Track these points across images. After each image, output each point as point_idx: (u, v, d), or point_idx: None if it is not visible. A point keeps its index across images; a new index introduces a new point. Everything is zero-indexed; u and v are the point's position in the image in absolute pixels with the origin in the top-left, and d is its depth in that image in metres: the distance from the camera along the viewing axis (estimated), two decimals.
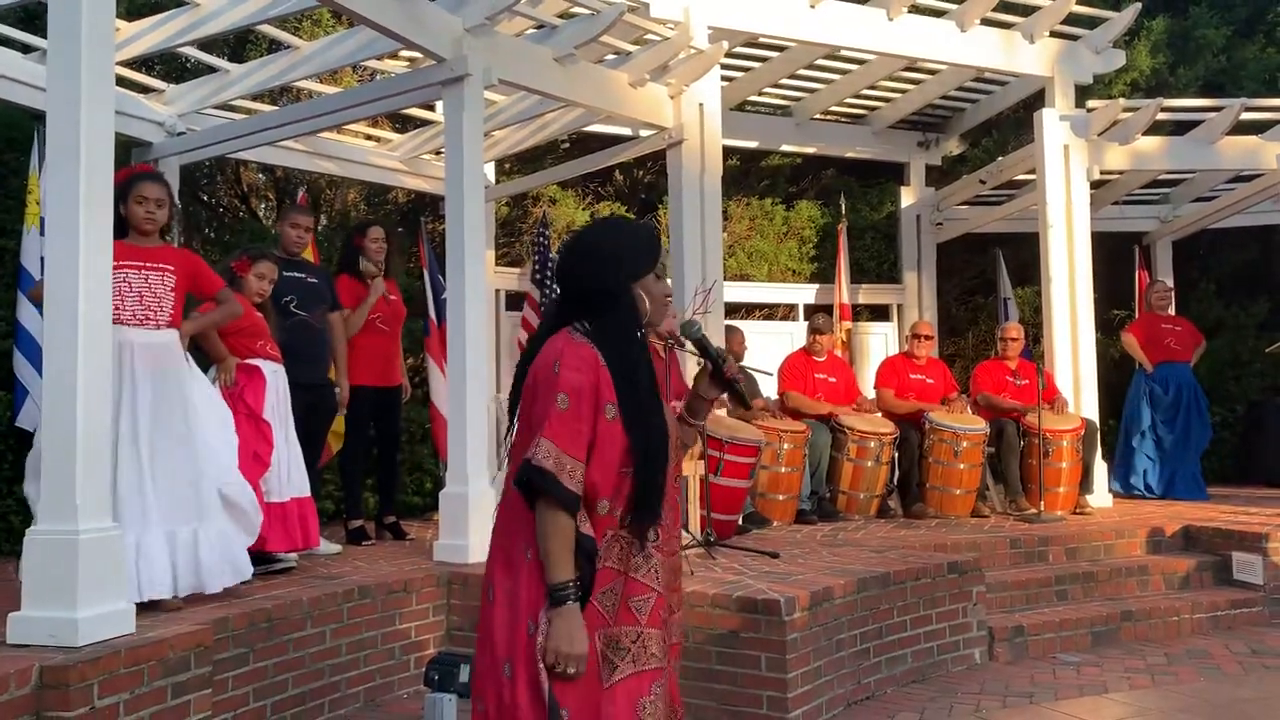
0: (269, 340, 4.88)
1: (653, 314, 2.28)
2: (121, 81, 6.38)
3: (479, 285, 5.41)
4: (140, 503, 3.93)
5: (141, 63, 6.69)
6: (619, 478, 2.17)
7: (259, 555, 4.74)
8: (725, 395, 2.42)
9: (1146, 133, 7.77)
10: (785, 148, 9.44)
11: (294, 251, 5.77)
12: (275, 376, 4.85)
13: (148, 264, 4.14)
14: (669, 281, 2.52)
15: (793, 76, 8.46)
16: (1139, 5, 7.84)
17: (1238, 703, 4.37)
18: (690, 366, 6.15)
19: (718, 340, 6.57)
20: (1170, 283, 9.00)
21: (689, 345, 2.48)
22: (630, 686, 2.14)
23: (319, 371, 5.58)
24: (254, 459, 4.60)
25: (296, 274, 5.60)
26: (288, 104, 7.64)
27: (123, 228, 4.04)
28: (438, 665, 3.72)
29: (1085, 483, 7.21)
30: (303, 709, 4.19)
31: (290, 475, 4.83)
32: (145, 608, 3.76)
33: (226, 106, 6.83)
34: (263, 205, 9.20)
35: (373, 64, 6.78)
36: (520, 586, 2.18)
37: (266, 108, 7.21)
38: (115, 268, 3.61)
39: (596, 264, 2.24)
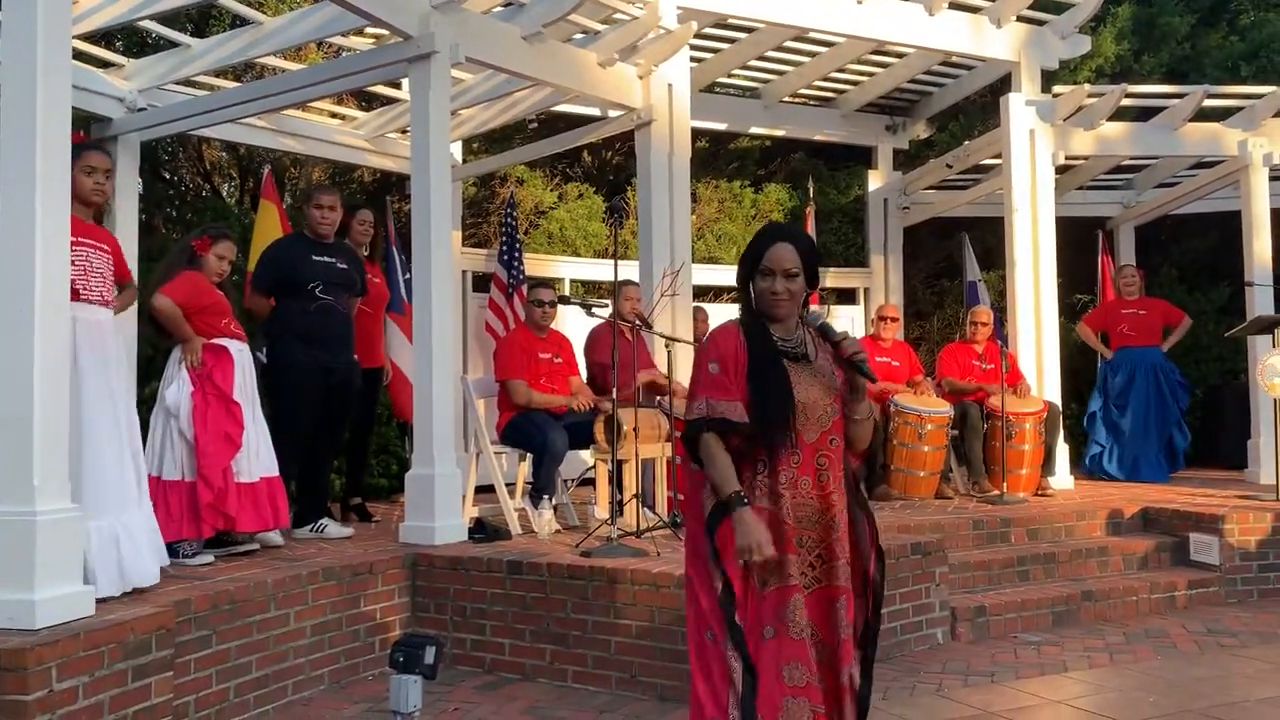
0: (231, 318, 4.82)
1: (762, 307, 2.75)
2: (80, 56, 6.26)
3: (445, 266, 5.37)
4: (121, 485, 3.88)
5: (101, 36, 6.57)
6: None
7: (221, 537, 4.71)
8: (851, 372, 2.75)
9: (1111, 118, 7.84)
10: (754, 130, 9.43)
11: (321, 234, 5.59)
12: (240, 355, 4.79)
13: (94, 242, 4.03)
14: (773, 278, 2.75)
15: (761, 58, 8.45)
16: None
17: (1193, 681, 4.45)
18: (658, 346, 6.15)
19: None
20: (1136, 266, 9.09)
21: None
22: (777, 596, 2.63)
23: (342, 355, 5.54)
24: (225, 440, 4.56)
25: (326, 258, 5.54)
26: (251, 80, 7.53)
27: None
28: (403, 647, 3.70)
29: (1047, 465, 7.30)
30: (266, 691, 4.16)
31: (259, 454, 4.78)
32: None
33: (188, 82, 6.72)
34: (226, 184, 9.07)
35: (338, 40, 6.68)
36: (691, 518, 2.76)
37: (229, 84, 7.10)
38: (74, 244, 3.54)
39: (739, 264, 2.83)
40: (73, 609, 3.35)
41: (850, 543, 2.74)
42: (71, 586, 3.37)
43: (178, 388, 4.59)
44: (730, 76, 8.77)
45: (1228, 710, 4.07)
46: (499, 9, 6.20)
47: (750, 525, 2.56)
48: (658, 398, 5.83)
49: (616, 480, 5.17)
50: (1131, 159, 9.01)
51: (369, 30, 6.38)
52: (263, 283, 5.57)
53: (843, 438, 2.77)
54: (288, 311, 5.43)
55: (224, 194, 8.84)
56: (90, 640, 3.25)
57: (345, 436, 6.13)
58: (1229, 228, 8.79)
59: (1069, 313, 9.04)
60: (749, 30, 7.89)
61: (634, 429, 5.19)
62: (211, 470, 4.52)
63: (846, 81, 9.09)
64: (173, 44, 6.49)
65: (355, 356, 5.70)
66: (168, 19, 6.33)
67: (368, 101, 8.09)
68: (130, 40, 7.63)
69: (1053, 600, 5.50)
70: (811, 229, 9.03)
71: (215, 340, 4.70)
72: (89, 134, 6.24)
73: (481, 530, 5.25)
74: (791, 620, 2.62)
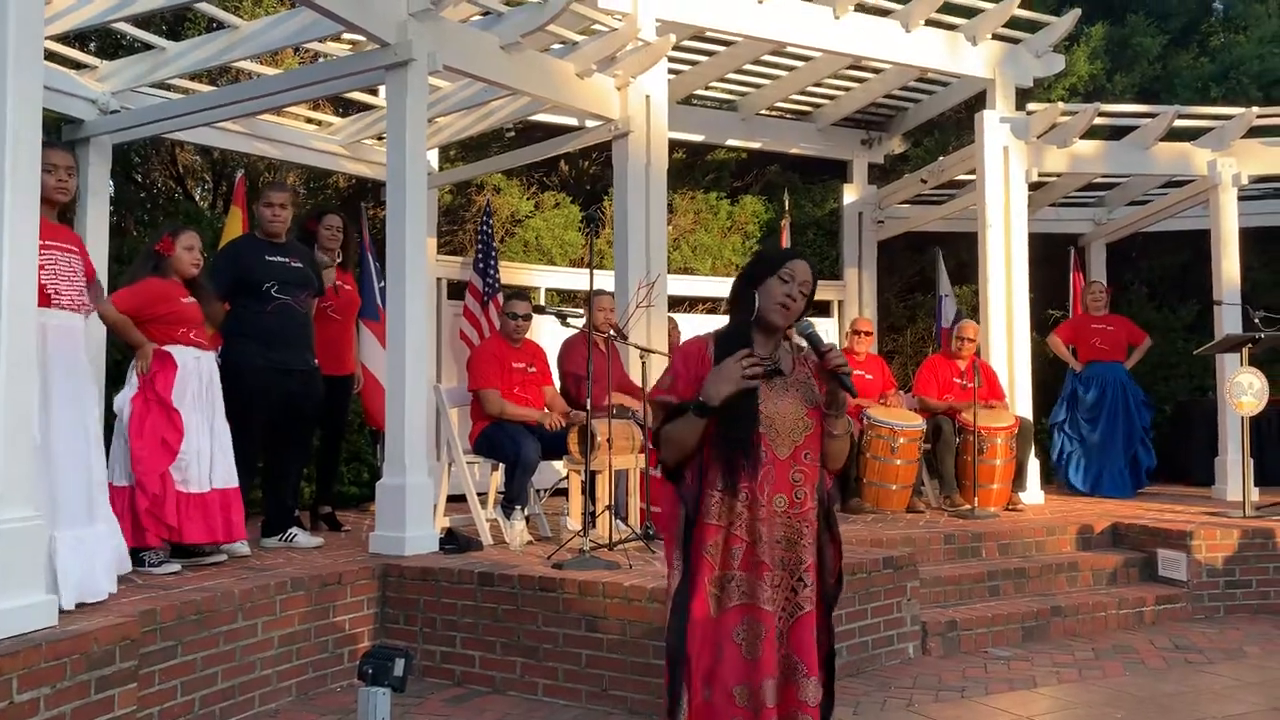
0: (193, 327, 4.72)
1: (764, 309, 2.71)
2: (53, 57, 6.19)
3: (420, 274, 5.34)
4: (86, 495, 3.82)
5: (75, 37, 6.50)
6: (709, 443, 2.62)
7: (187, 546, 4.65)
8: (834, 384, 2.73)
9: (1084, 136, 7.92)
10: (730, 142, 9.46)
11: (273, 232, 5.50)
12: (199, 363, 4.71)
13: (63, 245, 3.97)
14: (791, 284, 2.74)
15: (739, 71, 8.48)
16: (1079, 11, 7.98)
17: (1160, 696, 4.48)
18: (632, 359, 6.14)
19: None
20: (1105, 283, 9.19)
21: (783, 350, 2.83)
22: (730, 617, 2.59)
23: (301, 357, 5.45)
24: (161, 446, 4.48)
25: (279, 258, 5.45)
26: (226, 85, 7.47)
27: None
28: (372, 659, 3.67)
29: (1019, 480, 7.34)
30: (232, 703, 4.11)
31: (214, 465, 4.69)
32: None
33: (162, 85, 6.67)
34: (199, 188, 9.00)
35: (315, 46, 6.65)
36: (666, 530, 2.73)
37: (204, 87, 7.05)
38: (43, 248, 3.49)
39: (736, 278, 2.83)
40: (35, 619, 3.29)
41: (817, 563, 2.71)
42: (34, 596, 3.31)
43: (125, 393, 4.56)
44: (707, 89, 8.79)
45: None
46: (477, 18, 6.19)
47: (721, 365, 2.58)
48: (631, 410, 5.82)
49: (589, 491, 5.15)
50: (1103, 177, 9.11)
51: (346, 36, 6.35)
52: (219, 286, 5.33)
53: (818, 453, 2.74)
54: (244, 313, 5.31)
55: (196, 198, 8.76)
56: (53, 651, 3.19)
57: (315, 444, 6.07)
58: (1198, 246, 8.92)
59: (1041, 328, 9.11)
60: (727, 44, 7.92)
61: (607, 440, 5.17)
62: (147, 476, 4.44)
63: (823, 96, 9.13)
64: (147, 46, 6.43)
65: (317, 361, 5.60)
66: (142, 21, 6.28)
67: (344, 107, 8.05)
68: (104, 42, 7.56)
69: (1023, 615, 5.52)
70: (787, 241, 9.06)
71: (166, 346, 4.63)
72: (60, 135, 6.17)
73: (453, 541, 5.22)
74: (748, 643, 2.58)
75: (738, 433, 2.61)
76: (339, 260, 6.22)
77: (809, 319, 2.90)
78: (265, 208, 5.52)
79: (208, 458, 4.66)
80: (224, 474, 4.73)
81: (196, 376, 4.67)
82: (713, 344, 2.72)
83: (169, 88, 6.79)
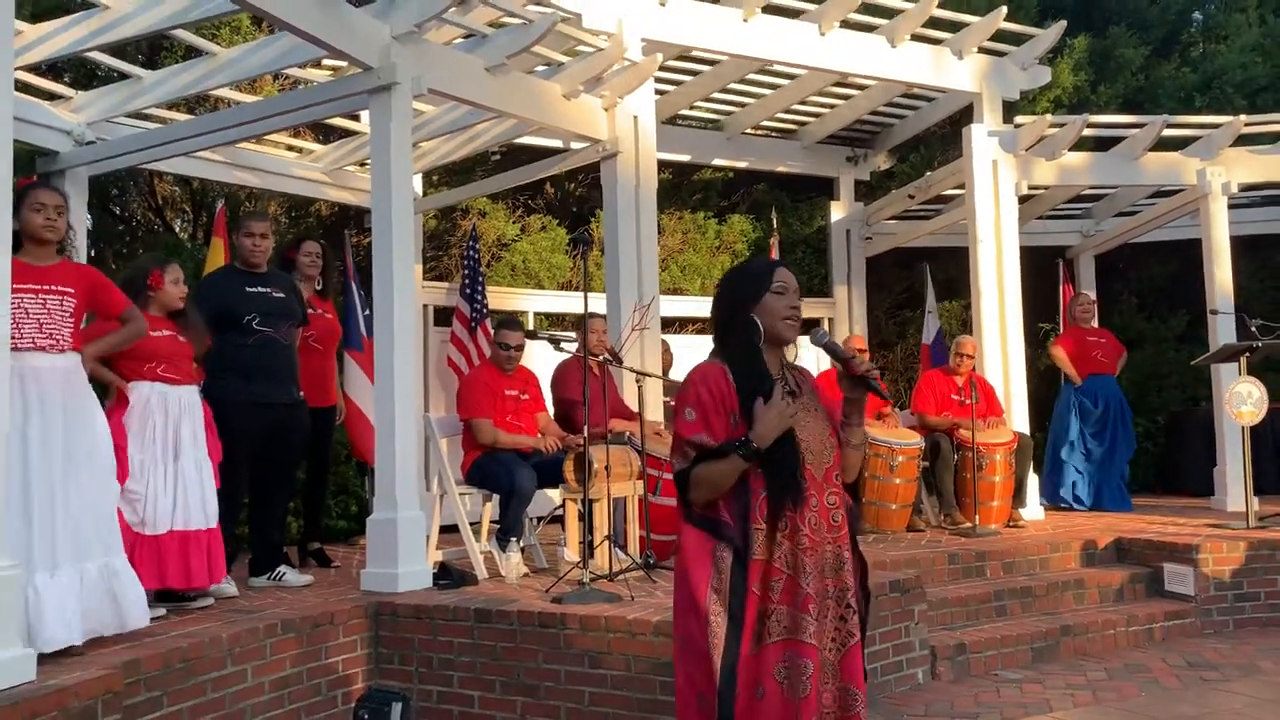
0: (163, 361, 4.53)
1: (771, 328, 2.60)
2: (26, 88, 6.07)
3: (408, 301, 5.21)
4: (51, 541, 3.67)
5: (48, 68, 6.37)
6: (753, 477, 2.50)
7: (173, 592, 4.49)
8: (864, 390, 2.64)
9: (1071, 149, 7.88)
10: (717, 162, 9.38)
11: (254, 263, 5.39)
12: (165, 400, 4.52)
13: (45, 286, 3.87)
14: (788, 294, 2.66)
15: (724, 91, 8.41)
16: (1064, 23, 7.96)
17: (1180, 718, 4.37)
18: (628, 383, 6.03)
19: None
20: (1093, 295, 9.14)
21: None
22: (770, 653, 2.46)
23: (286, 390, 5.30)
24: None
25: (260, 289, 5.32)
26: (205, 113, 7.34)
27: (17, 242, 3.77)
28: (368, 703, 3.54)
29: (1018, 496, 7.24)
30: None
31: (175, 506, 4.45)
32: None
33: (139, 115, 6.53)
34: (179, 219, 8.85)
35: (295, 72, 6.53)
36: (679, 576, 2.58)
37: (182, 116, 6.91)
38: (12, 291, 3.36)
39: (720, 301, 2.69)
40: (13, 674, 3.13)
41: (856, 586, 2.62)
42: (10, 650, 3.15)
43: None
44: (693, 109, 8.72)
45: None
46: (460, 40, 6.09)
47: (769, 417, 2.46)
48: (628, 434, 5.69)
49: (587, 520, 5.02)
50: (1092, 188, 9.08)
51: (327, 62, 6.24)
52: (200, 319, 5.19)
53: (841, 471, 2.64)
54: (225, 346, 5.14)
55: (176, 229, 8.61)
56: (30, 708, 3.04)
57: (300, 477, 5.91)
58: (1187, 256, 8.89)
59: (1032, 341, 9.05)
60: (711, 63, 7.85)
61: (605, 467, 5.04)
62: None
63: (808, 113, 9.08)
64: (123, 76, 6.31)
65: (302, 393, 5.46)
66: (117, 50, 6.14)
67: (325, 134, 7.93)
68: (79, 72, 7.42)
69: (1032, 636, 5.40)
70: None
71: (131, 383, 4.46)
72: (35, 168, 6.03)
73: (446, 575, 5.07)
74: (790, 681, 2.45)
75: (788, 468, 2.50)
76: (319, 288, 6.07)
77: (820, 329, 2.81)
78: (245, 238, 5.39)
79: (169, 498, 4.44)
80: (190, 515, 4.49)
81: (162, 412, 4.49)
82: (729, 372, 2.57)
83: (146, 117, 6.65)
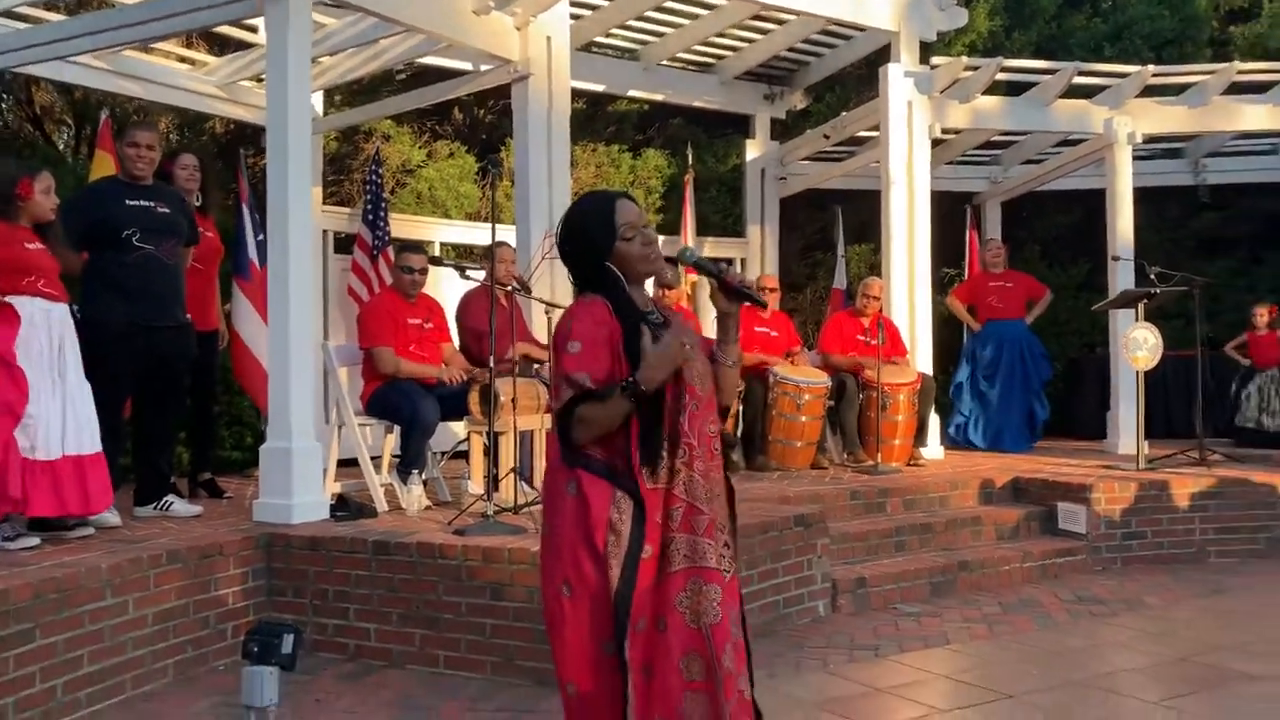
0: (42, 275, 4.22)
1: (632, 272, 2.44)
2: None
3: (304, 226, 4.96)
4: None
5: None
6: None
7: (48, 520, 4.24)
8: (740, 303, 2.51)
9: (985, 93, 7.90)
10: (632, 93, 9.18)
11: (137, 174, 4.98)
12: (49, 316, 4.22)
13: None
14: (647, 232, 2.49)
15: (641, 19, 8.20)
16: None
17: (1070, 651, 4.48)
18: (536, 314, 5.89)
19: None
20: (1000, 241, 9.26)
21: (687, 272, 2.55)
22: (674, 581, 2.36)
23: (170, 312, 4.95)
24: (3, 408, 4.01)
25: (142, 202, 4.93)
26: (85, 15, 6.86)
27: None
28: (258, 635, 3.37)
29: (920, 436, 7.34)
30: (100, 688, 3.76)
31: (67, 430, 4.20)
32: None
33: (10, 14, 6.05)
34: (60, 131, 8.33)
35: None
36: (563, 523, 2.38)
37: (57, 17, 6.44)
38: None
39: (572, 259, 2.48)
40: None
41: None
42: None
43: None
44: (609, 35, 8.49)
45: (1108, 679, 4.10)
46: None
47: (661, 347, 2.31)
48: (535, 366, 5.56)
49: (492, 454, 4.90)
50: (1000, 135, 9.15)
51: None
52: (71, 233, 4.69)
53: (721, 394, 2.53)
54: (102, 264, 4.80)
55: (57, 141, 8.10)
56: None
57: (188, 404, 5.64)
58: (1089, 206, 9.05)
59: (938, 286, 9.14)
60: None
61: (512, 400, 4.92)
62: None
63: (726, 47, 8.93)
64: None
65: (189, 316, 5.14)
66: None
67: (220, 46, 7.50)
68: None
69: (930, 570, 5.50)
70: (690, 197, 8.87)
71: (8, 297, 4.13)
72: None
73: (344, 508, 4.90)
74: (693, 610, 2.34)
75: (677, 404, 2.37)
76: (199, 204, 5.73)
77: (687, 246, 2.66)
78: (129, 147, 5.00)
79: (59, 421, 4.17)
80: (82, 439, 4.25)
81: (46, 330, 4.19)
82: (610, 306, 2.39)
83: (17, 16, 6.17)
